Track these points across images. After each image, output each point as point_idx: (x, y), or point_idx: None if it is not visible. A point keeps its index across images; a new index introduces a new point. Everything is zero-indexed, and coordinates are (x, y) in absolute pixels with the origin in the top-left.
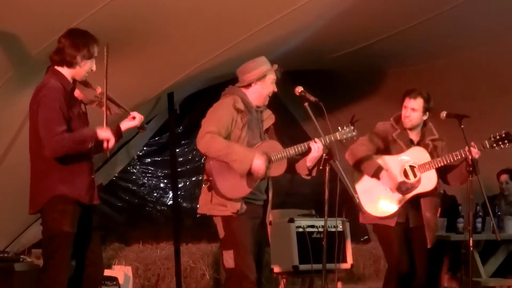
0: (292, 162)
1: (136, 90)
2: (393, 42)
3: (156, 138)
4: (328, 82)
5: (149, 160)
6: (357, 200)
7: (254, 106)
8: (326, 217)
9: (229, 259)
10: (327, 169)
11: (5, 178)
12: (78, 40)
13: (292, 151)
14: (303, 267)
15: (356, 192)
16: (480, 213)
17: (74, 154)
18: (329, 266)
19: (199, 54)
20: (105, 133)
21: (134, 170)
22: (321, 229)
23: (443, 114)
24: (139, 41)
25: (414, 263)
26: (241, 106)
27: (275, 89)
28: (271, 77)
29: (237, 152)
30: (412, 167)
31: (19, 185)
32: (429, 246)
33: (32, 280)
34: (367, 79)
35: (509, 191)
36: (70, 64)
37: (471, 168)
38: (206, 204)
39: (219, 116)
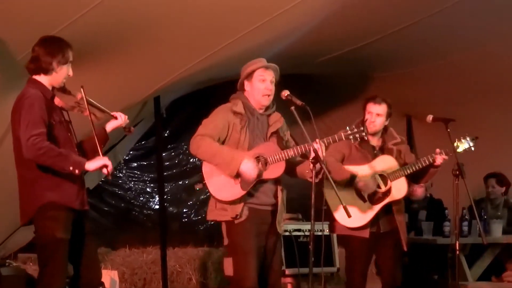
0: (292, 166)
1: (122, 94)
2: (379, 47)
3: (143, 142)
4: (314, 86)
5: (135, 164)
6: (343, 204)
7: (257, 110)
8: (312, 220)
9: (228, 266)
10: (314, 173)
11: None
12: (52, 47)
13: (291, 152)
14: (289, 271)
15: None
16: (467, 217)
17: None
18: (316, 269)
19: (185, 59)
20: (94, 163)
21: (121, 175)
22: (307, 233)
23: (429, 117)
24: (124, 46)
25: (386, 266)
26: (239, 109)
27: (269, 86)
28: (258, 75)
29: (223, 155)
30: (382, 176)
31: (3, 191)
32: (405, 249)
33: (18, 285)
34: (353, 83)
35: (496, 195)
36: (46, 71)
37: (457, 172)
38: (212, 210)
39: (213, 120)
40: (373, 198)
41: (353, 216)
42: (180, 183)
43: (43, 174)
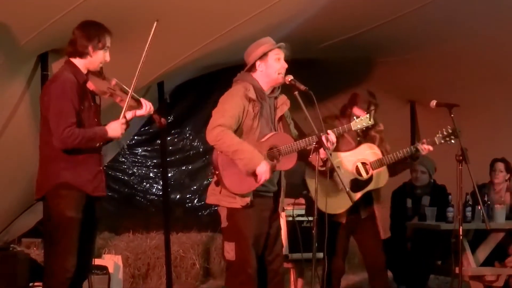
0: (304, 154)
1: (125, 79)
2: (382, 32)
3: (146, 128)
4: (318, 71)
5: (139, 149)
6: (347, 189)
7: (266, 93)
8: (316, 205)
9: (230, 250)
10: (317, 158)
11: None
12: (90, 31)
13: (302, 143)
14: (293, 256)
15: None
16: (470, 202)
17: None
18: (319, 254)
19: (189, 44)
20: (114, 130)
21: (124, 160)
22: (311, 218)
23: (433, 103)
24: (127, 31)
25: (368, 251)
26: (252, 95)
27: (285, 65)
28: (274, 55)
29: (244, 153)
30: (364, 164)
31: (8, 175)
32: (383, 237)
33: (22, 269)
34: (356, 68)
35: (501, 179)
36: (82, 55)
37: (461, 157)
38: (215, 194)
39: (230, 107)
40: (354, 186)
41: (333, 203)
42: (184, 168)
43: (63, 155)
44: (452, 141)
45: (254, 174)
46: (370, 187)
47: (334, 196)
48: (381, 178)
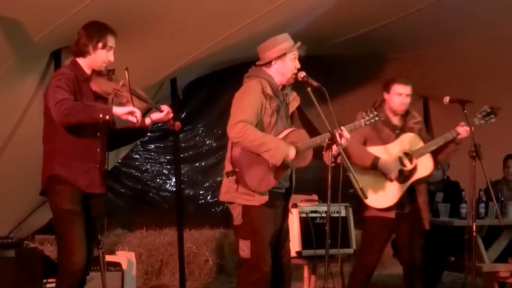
0: (317, 149)
1: (138, 76)
2: (393, 29)
3: (159, 124)
4: (330, 68)
5: (152, 146)
6: (359, 185)
7: (280, 89)
8: (329, 202)
9: (245, 248)
10: (330, 154)
11: (7, 165)
12: (91, 30)
13: (318, 140)
14: (306, 252)
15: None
16: (483, 199)
17: (80, 141)
18: (332, 251)
19: (202, 40)
20: (122, 109)
21: (137, 156)
22: (324, 215)
23: (446, 99)
24: (140, 28)
25: (407, 247)
26: (269, 91)
27: (298, 65)
28: (291, 55)
29: (269, 144)
30: (407, 154)
31: (21, 172)
32: (428, 228)
33: (36, 266)
34: (368, 65)
35: None
36: (82, 54)
37: (474, 153)
38: (230, 192)
39: (249, 103)
40: (400, 177)
41: (380, 197)
42: (197, 165)
43: (59, 149)
44: (492, 119)
45: (278, 167)
46: (416, 176)
47: (380, 191)
48: (426, 166)
